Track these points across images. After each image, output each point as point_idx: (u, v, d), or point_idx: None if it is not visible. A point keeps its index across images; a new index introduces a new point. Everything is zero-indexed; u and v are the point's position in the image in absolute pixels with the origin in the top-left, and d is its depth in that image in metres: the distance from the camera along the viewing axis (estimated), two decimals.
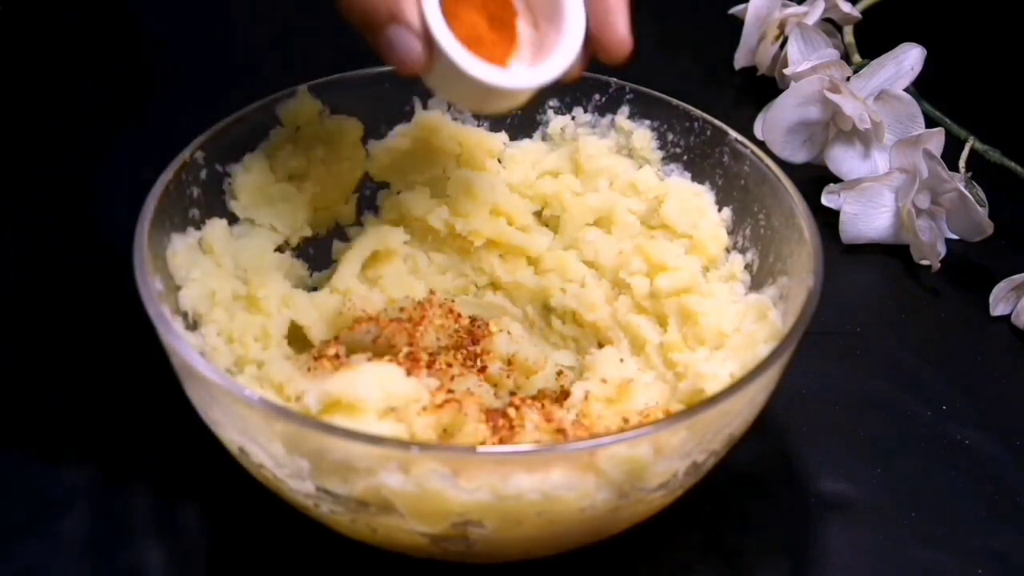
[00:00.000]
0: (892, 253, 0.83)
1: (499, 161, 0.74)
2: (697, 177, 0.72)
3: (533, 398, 0.64)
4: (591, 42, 0.58)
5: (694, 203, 0.71)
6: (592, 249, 0.72)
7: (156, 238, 0.61)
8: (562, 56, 0.58)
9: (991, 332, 0.78)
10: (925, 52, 0.86)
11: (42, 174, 0.85)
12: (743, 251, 0.69)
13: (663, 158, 0.73)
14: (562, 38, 0.58)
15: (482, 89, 0.57)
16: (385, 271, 0.71)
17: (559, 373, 0.67)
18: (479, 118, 0.74)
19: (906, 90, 0.86)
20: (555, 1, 0.58)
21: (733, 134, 0.70)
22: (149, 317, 0.56)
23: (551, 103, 0.74)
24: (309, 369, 0.62)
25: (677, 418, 0.55)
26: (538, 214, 0.74)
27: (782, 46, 0.92)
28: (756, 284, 0.68)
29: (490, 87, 0.57)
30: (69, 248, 0.79)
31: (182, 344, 0.56)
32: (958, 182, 0.79)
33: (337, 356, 0.63)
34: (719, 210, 0.71)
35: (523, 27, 0.60)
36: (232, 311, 0.65)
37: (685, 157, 0.72)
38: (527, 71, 0.59)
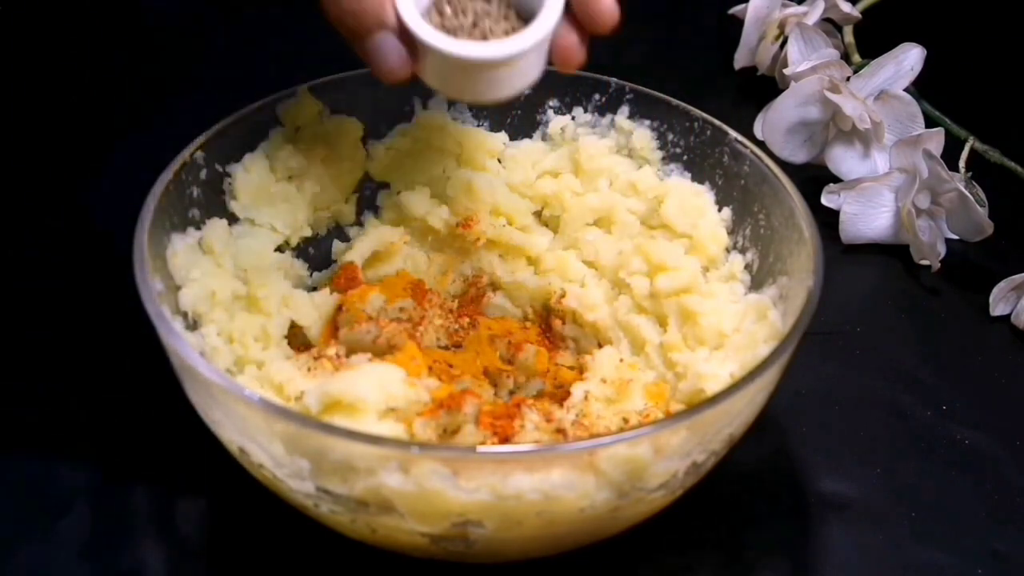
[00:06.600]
0: (892, 253, 0.83)
1: (499, 161, 0.74)
2: (697, 177, 0.72)
3: (533, 398, 0.64)
4: (579, 16, 0.58)
5: (694, 203, 0.71)
6: (592, 249, 0.72)
7: (156, 238, 0.61)
8: (544, 19, 0.58)
9: (991, 332, 0.78)
10: (925, 52, 0.86)
11: (42, 174, 0.85)
12: (743, 251, 0.69)
13: (663, 158, 0.73)
14: (543, 9, 0.58)
15: (473, 67, 0.58)
16: (385, 271, 0.71)
17: (559, 373, 0.67)
18: (479, 117, 0.74)
19: (906, 90, 0.86)
20: None
21: (733, 134, 0.70)
22: (149, 317, 0.56)
23: (551, 103, 0.74)
24: (309, 369, 0.62)
25: (677, 418, 0.55)
26: (538, 214, 0.74)
27: (782, 46, 0.92)
28: (756, 284, 0.68)
29: (478, 61, 0.57)
30: (69, 248, 0.79)
31: (182, 344, 0.56)
32: (958, 182, 0.79)
33: (337, 356, 0.63)
34: (719, 210, 0.71)
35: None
36: (232, 311, 0.65)
37: (685, 157, 0.72)
38: (511, 39, 0.58)
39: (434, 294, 0.70)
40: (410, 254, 0.72)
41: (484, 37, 0.59)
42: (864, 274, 0.83)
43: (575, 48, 0.59)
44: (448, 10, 0.59)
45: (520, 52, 0.58)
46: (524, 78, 0.60)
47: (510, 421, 0.60)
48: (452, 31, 0.58)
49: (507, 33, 0.59)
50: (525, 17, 0.59)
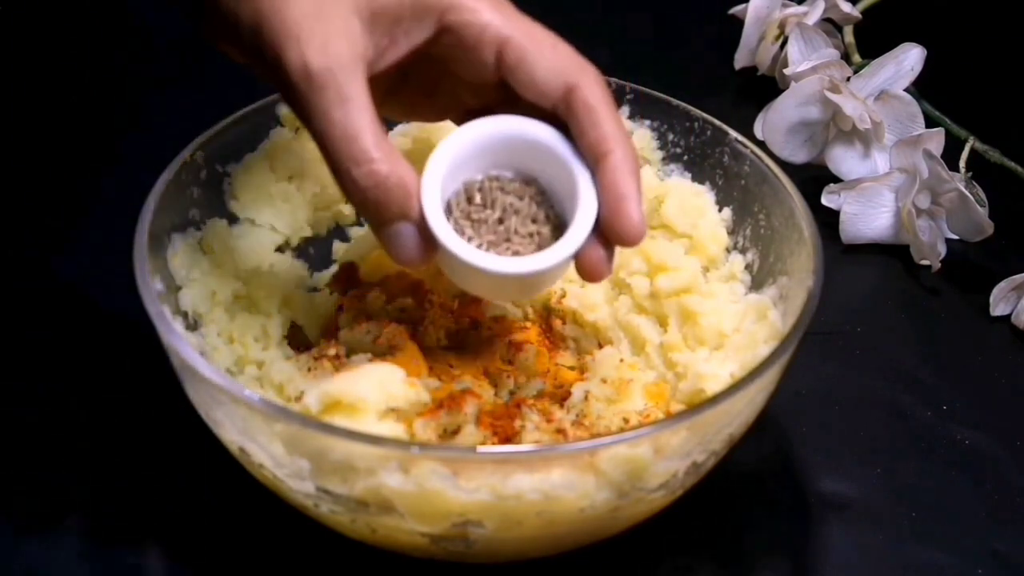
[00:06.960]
0: (892, 253, 0.83)
1: None
2: (697, 177, 0.72)
3: (533, 398, 0.64)
4: (606, 230, 0.56)
5: (694, 203, 0.71)
6: None
7: (156, 238, 0.61)
8: (570, 239, 0.56)
9: (991, 332, 0.78)
10: (925, 52, 0.86)
11: (42, 174, 0.85)
12: (743, 251, 0.69)
13: (663, 158, 0.73)
14: (572, 223, 0.56)
15: (490, 276, 0.56)
16: (385, 271, 0.71)
17: (559, 373, 0.67)
18: None
19: (906, 90, 0.86)
20: (571, 189, 0.56)
21: (733, 134, 0.70)
22: (149, 317, 0.56)
23: None
24: (309, 369, 0.62)
25: (677, 418, 0.55)
26: None
27: (782, 46, 0.92)
28: (756, 284, 0.68)
29: (495, 275, 0.55)
30: (69, 248, 0.79)
31: (182, 344, 0.56)
32: (958, 182, 0.79)
33: (337, 356, 0.63)
34: (719, 210, 0.71)
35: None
36: (232, 311, 0.65)
37: (685, 157, 0.72)
38: (533, 257, 0.56)
39: (434, 294, 0.70)
40: None
41: (507, 237, 0.57)
42: (864, 274, 0.83)
43: (602, 263, 0.56)
44: (478, 198, 0.57)
45: (541, 271, 0.56)
46: (542, 287, 0.59)
47: (510, 421, 0.60)
48: (476, 223, 0.57)
49: (531, 236, 0.57)
50: (554, 218, 0.58)
